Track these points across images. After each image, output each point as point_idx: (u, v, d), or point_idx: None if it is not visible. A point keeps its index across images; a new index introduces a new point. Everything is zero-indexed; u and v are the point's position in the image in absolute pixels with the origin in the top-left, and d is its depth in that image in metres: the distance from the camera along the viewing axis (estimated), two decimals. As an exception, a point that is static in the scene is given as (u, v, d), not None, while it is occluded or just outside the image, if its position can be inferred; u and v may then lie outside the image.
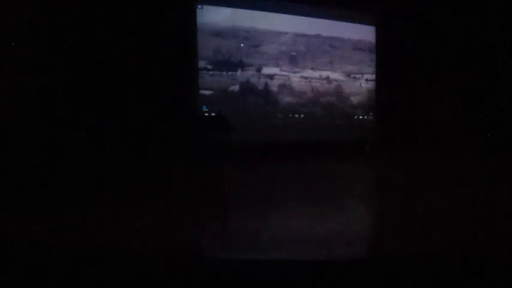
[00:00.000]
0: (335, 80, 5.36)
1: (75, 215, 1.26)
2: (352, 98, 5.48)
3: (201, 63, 4.69)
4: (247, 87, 4.92)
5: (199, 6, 4.70)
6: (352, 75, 5.47)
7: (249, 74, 4.91)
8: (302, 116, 5.18)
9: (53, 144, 2.34)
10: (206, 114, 4.73)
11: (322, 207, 1.45)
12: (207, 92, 4.74)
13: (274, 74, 5.03)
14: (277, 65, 5.04)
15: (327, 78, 5.31)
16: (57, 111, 2.57)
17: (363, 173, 2.87)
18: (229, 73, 4.83)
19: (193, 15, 4.63)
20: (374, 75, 5.61)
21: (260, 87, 4.97)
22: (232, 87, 4.85)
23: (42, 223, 1.14)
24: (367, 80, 5.58)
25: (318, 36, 5.25)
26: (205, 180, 2.24)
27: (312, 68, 5.23)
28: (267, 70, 4.99)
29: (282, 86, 5.07)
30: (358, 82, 5.52)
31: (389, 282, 0.77)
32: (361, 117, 5.55)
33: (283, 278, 0.79)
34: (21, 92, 2.26)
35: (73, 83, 3.29)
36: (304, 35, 5.18)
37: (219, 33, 4.76)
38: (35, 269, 0.81)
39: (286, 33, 5.10)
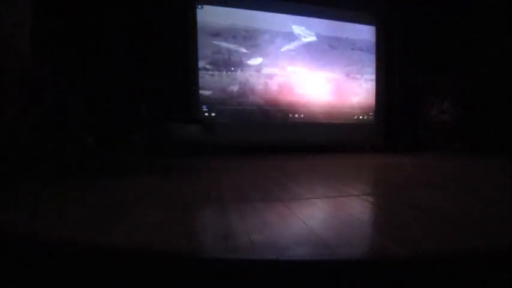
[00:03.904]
0: (335, 80, 5.36)
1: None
2: (352, 97, 5.48)
3: (201, 63, 4.70)
4: (247, 87, 4.92)
5: (200, 6, 4.70)
6: (351, 75, 5.48)
7: (248, 73, 4.92)
8: (302, 116, 5.18)
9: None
10: (206, 114, 4.74)
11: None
12: (207, 92, 4.74)
13: (274, 74, 5.04)
14: (277, 65, 5.05)
15: (327, 77, 5.32)
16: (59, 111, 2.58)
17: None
18: (229, 73, 4.83)
19: (193, 15, 4.65)
20: (374, 75, 5.62)
21: (260, 87, 4.98)
22: (231, 87, 4.85)
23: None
24: (366, 79, 5.59)
25: (317, 35, 5.25)
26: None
27: (311, 68, 5.23)
28: (266, 70, 4.99)
29: (282, 86, 5.08)
30: (358, 82, 5.52)
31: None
32: (361, 117, 5.56)
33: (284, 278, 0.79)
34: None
35: (72, 81, 3.29)
36: (303, 35, 5.19)
37: (219, 32, 4.77)
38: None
39: (285, 32, 5.10)
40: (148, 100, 3.65)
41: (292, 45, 5.13)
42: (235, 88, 4.87)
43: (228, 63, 4.83)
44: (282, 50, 5.08)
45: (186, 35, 4.58)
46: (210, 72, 4.75)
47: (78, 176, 2.22)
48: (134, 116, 3.18)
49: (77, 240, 0.96)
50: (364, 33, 5.54)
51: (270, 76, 5.02)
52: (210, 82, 4.75)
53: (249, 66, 4.92)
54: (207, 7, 4.72)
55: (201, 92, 4.71)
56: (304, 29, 5.19)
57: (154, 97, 3.96)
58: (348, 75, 5.45)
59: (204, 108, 4.75)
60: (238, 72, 4.88)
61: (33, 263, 0.83)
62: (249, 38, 4.92)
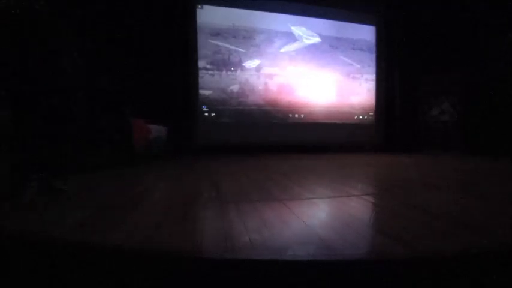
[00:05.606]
0: (335, 80, 5.36)
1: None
2: (352, 97, 5.47)
3: (201, 63, 4.69)
4: (247, 87, 4.91)
5: (200, 6, 4.69)
6: (351, 75, 5.47)
7: (248, 73, 4.91)
8: (302, 116, 5.17)
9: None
10: (206, 114, 4.73)
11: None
12: (207, 92, 4.73)
13: (274, 74, 5.03)
14: (277, 65, 5.04)
15: (327, 77, 5.31)
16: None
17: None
18: (228, 73, 4.82)
19: (193, 15, 4.64)
20: (374, 75, 5.61)
21: (260, 87, 4.97)
22: (231, 87, 4.84)
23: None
24: (367, 79, 5.58)
25: (318, 35, 5.25)
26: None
27: (312, 68, 5.22)
28: (266, 70, 4.99)
29: (282, 86, 5.07)
30: (358, 82, 5.51)
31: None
32: (361, 117, 5.55)
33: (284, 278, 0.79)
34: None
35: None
36: (304, 35, 5.18)
37: (219, 32, 4.76)
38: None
39: (285, 32, 5.10)
40: (138, 102, 3.62)
41: (292, 46, 5.13)
42: (235, 88, 4.86)
43: (228, 63, 4.82)
44: (282, 50, 5.08)
45: (185, 34, 4.56)
46: (210, 72, 4.75)
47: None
48: (117, 120, 3.15)
49: (76, 240, 0.95)
50: (364, 33, 5.54)
51: (270, 76, 5.02)
52: (210, 82, 4.74)
53: (248, 66, 4.91)
54: (207, 7, 4.72)
55: (201, 91, 4.71)
56: (304, 30, 5.18)
57: (146, 98, 3.93)
58: (348, 75, 5.44)
59: (204, 108, 4.74)
60: (238, 72, 4.87)
61: (34, 262, 0.83)
62: (249, 38, 4.92)
